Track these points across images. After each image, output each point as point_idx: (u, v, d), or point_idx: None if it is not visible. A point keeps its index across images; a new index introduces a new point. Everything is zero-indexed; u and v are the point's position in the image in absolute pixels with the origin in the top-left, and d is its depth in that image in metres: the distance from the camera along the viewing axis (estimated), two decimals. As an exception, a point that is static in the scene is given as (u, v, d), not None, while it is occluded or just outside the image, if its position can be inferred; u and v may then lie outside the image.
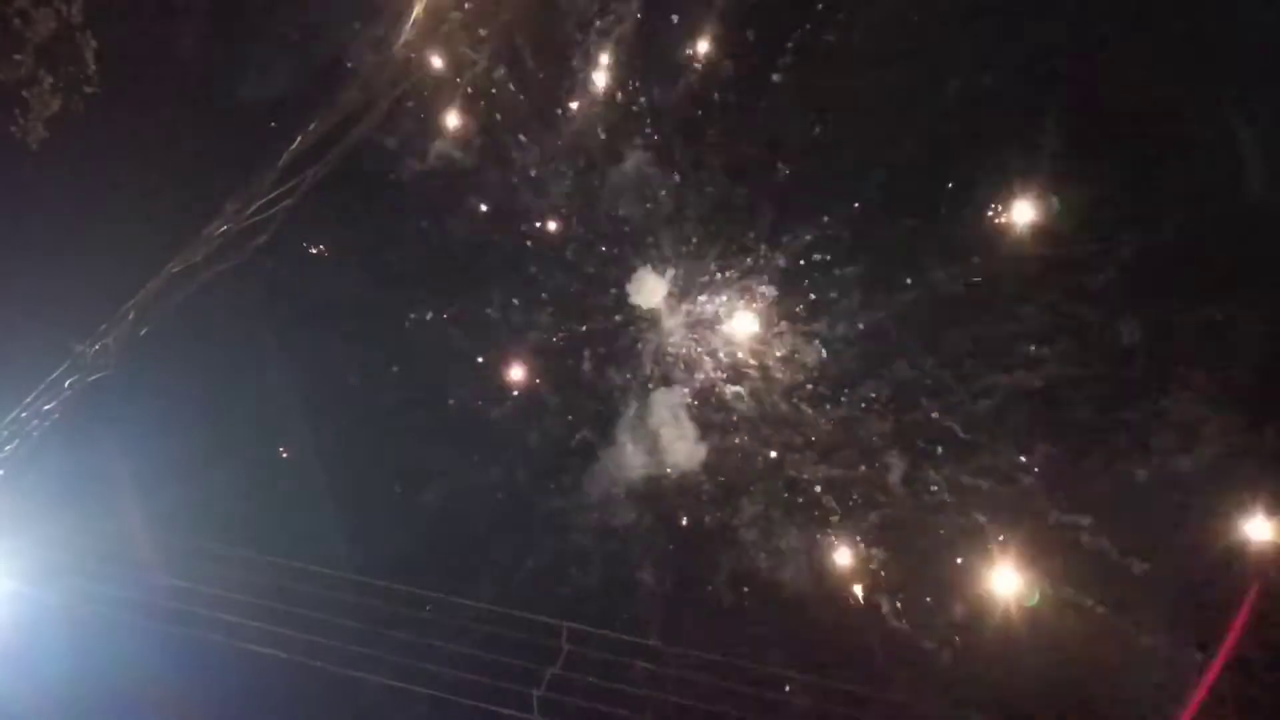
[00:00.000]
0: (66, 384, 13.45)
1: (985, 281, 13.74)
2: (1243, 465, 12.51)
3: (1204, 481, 12.64)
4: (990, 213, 13.87)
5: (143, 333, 13.93)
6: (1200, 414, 12.82)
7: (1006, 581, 12.76)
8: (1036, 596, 12.59)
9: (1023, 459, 13.26)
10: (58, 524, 13.39)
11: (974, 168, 14.03)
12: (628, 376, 14.38)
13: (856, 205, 14.29)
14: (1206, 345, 12.92)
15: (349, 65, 15.00)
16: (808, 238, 14.44)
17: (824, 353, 14.07)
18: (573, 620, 12.84)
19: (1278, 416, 12.44)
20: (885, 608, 12.94)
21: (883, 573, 13.07)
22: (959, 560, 13.01)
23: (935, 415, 13.56)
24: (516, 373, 14.57)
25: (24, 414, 13.24)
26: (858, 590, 13.07)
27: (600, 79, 15.57)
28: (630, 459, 13.88)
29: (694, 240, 14.97)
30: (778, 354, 14.19)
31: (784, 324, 14.29)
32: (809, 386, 14.04)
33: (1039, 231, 13.65)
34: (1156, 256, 13.21)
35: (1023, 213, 13.72)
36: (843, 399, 13.87)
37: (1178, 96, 13.11)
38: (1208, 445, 12.75)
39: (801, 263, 14.57)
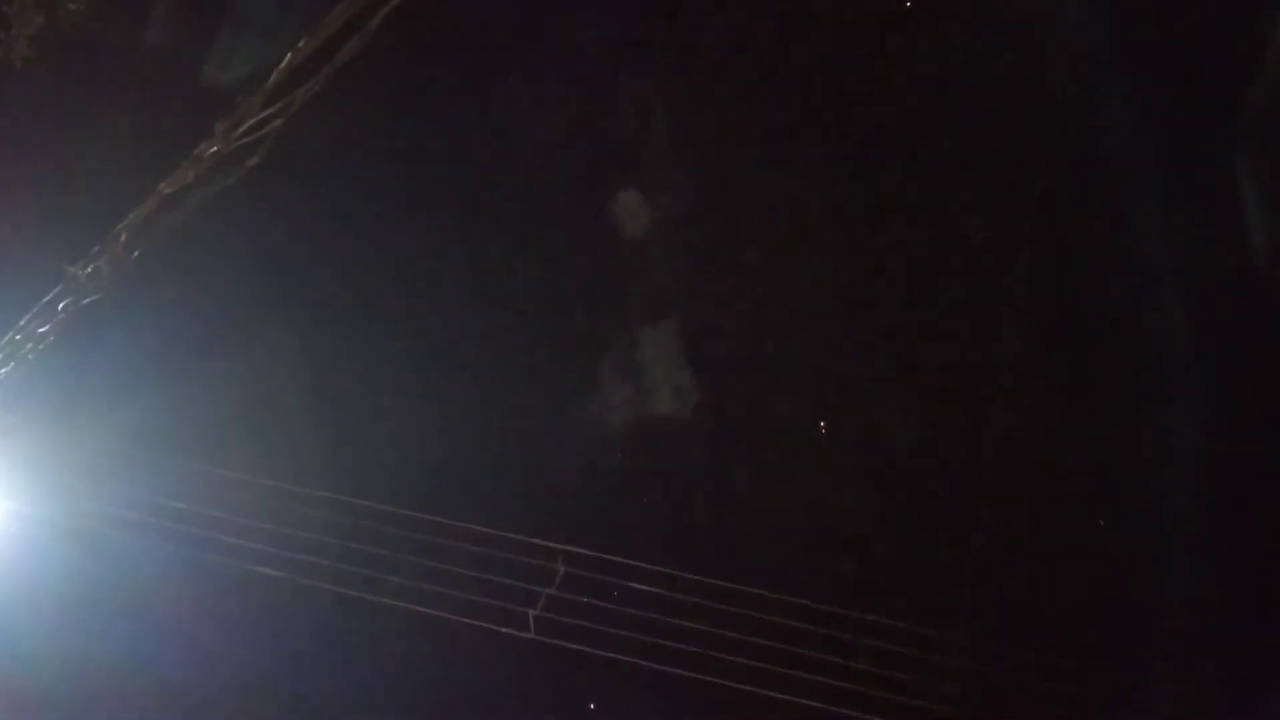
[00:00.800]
0: (60, 306, 13.42)
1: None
2: None
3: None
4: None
5: (135, 254, 13.88)
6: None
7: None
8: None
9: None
10: (54, 445, 13.50)
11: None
12: (617, 307, 14.39)
13: (860, 136, 14.28)
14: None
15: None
16: (807, 167, 14.40)
17: (818, 288, 14.12)
18: (568, 544, 13.11)
19: None
20: (875, 538, 13.19)
21: (874, 505, 13.29)
22: (952, 499, 13.26)
23: (931, 353, 13.71)
24: (503, 300, 14.55)
25: (18, 337, 13.24)
26: (849, 520, 13.31)
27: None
28: (621, 390, 13.96)
29: (688, 167, 14.87)
30: (771, 288, 14.22)
31: (779, 256, 14.31)
32: (801, 320, 14.11)
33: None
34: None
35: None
36: (837, 334, 13.97)
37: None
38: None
39: (799, 187, 14.57)
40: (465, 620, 12.80)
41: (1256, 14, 13.67)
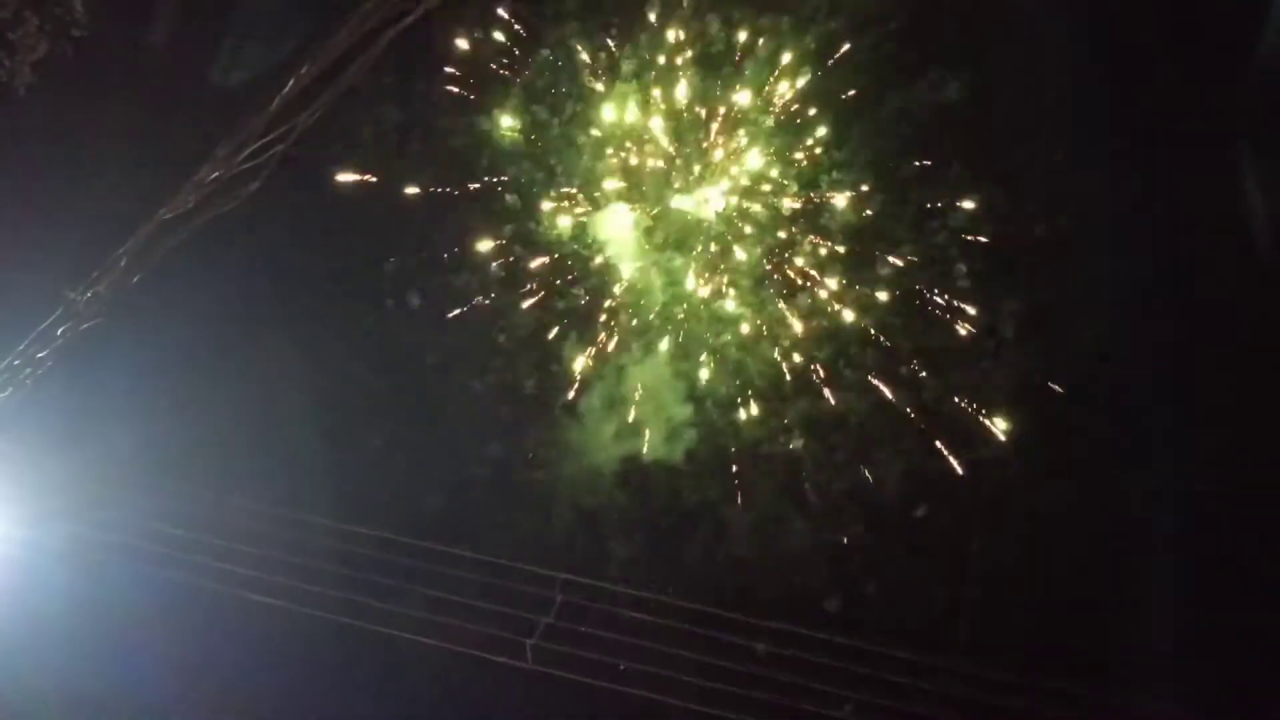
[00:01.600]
0: (59, 331, 13.41)
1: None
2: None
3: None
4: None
5: (135, 280, 13.88)
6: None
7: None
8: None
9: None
10: (52, 470, 13.46)
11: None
12: (614, 337, 14.48)
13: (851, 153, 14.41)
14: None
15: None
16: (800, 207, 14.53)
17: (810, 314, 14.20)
18: (566, 572, 13.14)
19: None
20: (868, 565, 13.29)
21: (867, 531, 13.42)
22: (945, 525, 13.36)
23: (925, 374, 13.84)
24: (504, 331, 14.60)
25: (17, 362, 13.23)
26: (842, 548, 13.42)
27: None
28: (619, 421, 14.04)
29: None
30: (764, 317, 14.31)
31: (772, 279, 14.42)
32: (795, 347, 14.20)
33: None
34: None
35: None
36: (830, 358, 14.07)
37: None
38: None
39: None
40: (464, 649, 12.82)
41: (1256, 13, 13.82)
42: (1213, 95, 13.72)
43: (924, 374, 13.81)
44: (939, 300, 14.05)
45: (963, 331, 13.95)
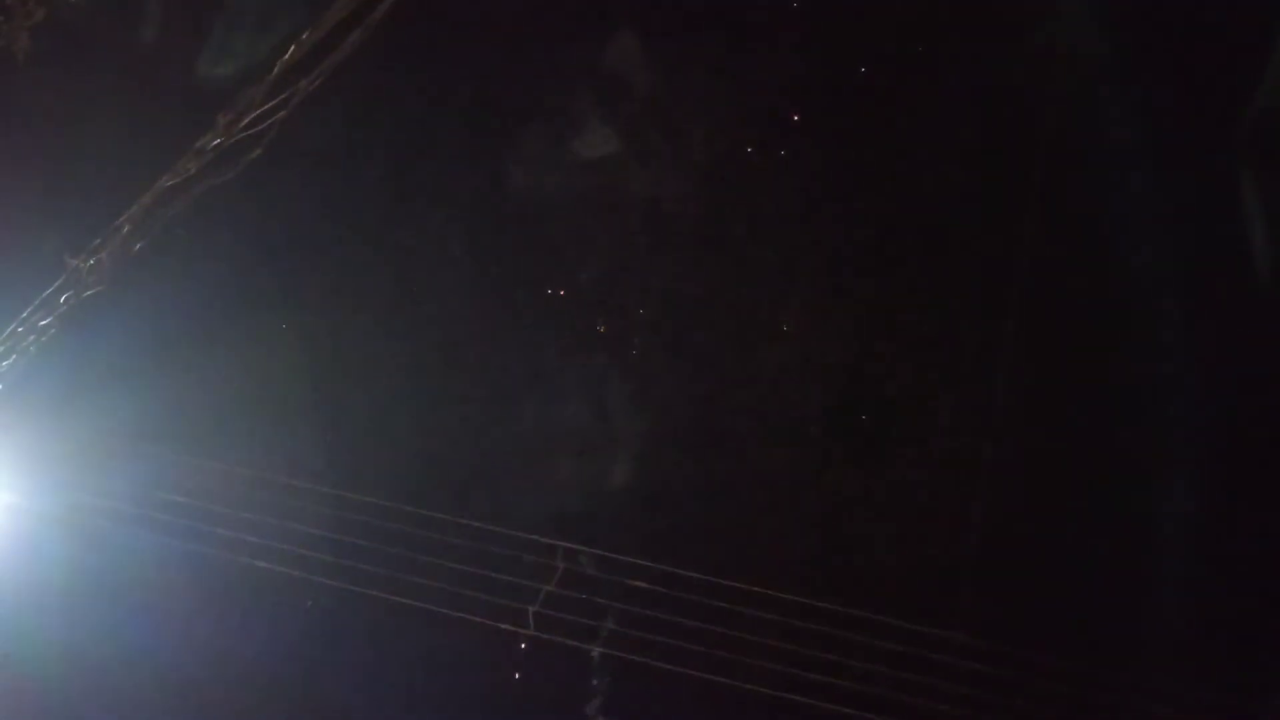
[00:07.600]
0: (61, 299, 13.42)
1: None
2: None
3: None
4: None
5: (137, 247, 13.88)
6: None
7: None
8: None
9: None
10: (56, 438, 13.51)
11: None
12: (618, 303, 14.36)
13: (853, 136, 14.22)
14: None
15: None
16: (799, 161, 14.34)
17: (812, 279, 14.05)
18: (568, 540, 13.10)
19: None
20: (874, 535, 13.20)
21: (872, 500, 13.31)
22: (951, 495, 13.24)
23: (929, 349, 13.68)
24: (504, 295, 14.54)
25: (19, 329, 13.24)
26: (848, 517, 13.31)
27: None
28: (619, 385, 13.96)
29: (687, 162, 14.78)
30: (763, 282, 14.17)
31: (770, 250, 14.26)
32: (797, 313, 14.07)
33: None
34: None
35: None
36: (832, 325, 13.94)
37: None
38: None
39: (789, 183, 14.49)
40: (464, 616, 12.80)
41: (1261, 17, 13.59)
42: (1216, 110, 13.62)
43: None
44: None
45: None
